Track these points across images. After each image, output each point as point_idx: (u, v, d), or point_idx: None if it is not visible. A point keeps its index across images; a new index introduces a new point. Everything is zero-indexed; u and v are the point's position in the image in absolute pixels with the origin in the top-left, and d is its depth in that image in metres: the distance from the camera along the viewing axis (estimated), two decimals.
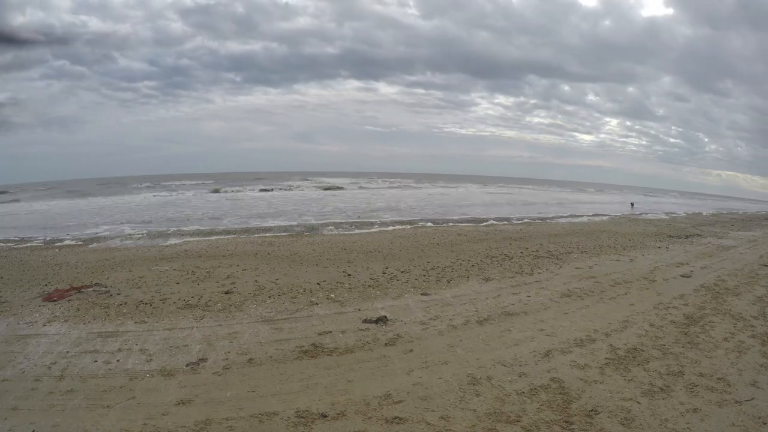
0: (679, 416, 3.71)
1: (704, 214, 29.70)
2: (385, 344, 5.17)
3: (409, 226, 16.27)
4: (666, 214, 27.43)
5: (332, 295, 7.08)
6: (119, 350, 4.98)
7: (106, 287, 7.43)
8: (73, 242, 12.87)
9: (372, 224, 16.82)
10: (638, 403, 3.91)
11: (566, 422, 3.60)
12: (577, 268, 9.39)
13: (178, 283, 7.72)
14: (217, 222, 18.05)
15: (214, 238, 13.26)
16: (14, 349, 5.00)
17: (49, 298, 6.84)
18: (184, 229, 15.42)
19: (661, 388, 4.18)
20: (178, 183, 50.50)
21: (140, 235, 13.90)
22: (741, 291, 7.90)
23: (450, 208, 26.24)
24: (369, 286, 7.68)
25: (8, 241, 13.25)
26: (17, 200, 33.23)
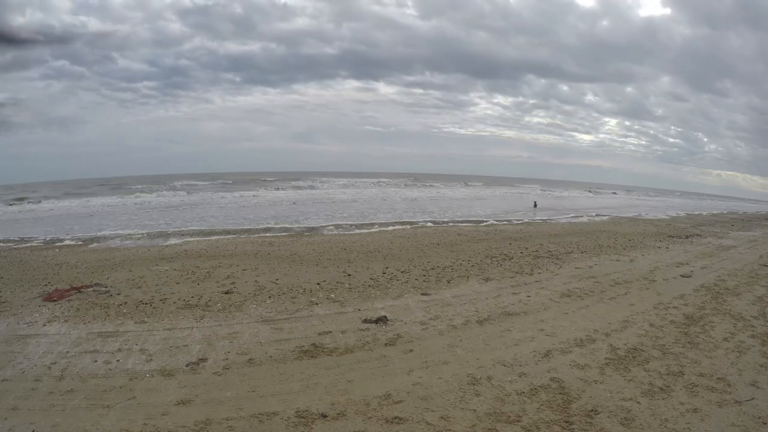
0: (679, 416, 3.72)
1: (704, 214, 29.69)
2: (385, 344, 5.17)
3: (409, 226, 16.27)
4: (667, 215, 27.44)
5: (332, 295, 7.09)
6: (119, 350, 4.98)
7: (106, 287, 7.43)
8: (73, 242, 12.87)
9: (372, 224, 16.82)
10: (638, 403, 3.91)
11: (566, 422, 3.60)
12: (577, 268, 9.39)
13: (178, 283, 7.72)
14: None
15: (214, 238, 13.25)
16: (14, 349, 5.00)
17: (49, 298, 6.84)
18: (184, 229, 15.42)
19: (661, 388, 4.18)
20: (189, 183, 49.78)
21: (140, 235, 13.90)
22: (741, 291, 7.90)
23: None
24: (369, 286, 7.68)
25: (8, 241, 13.25)
26: (42, 200, 32.50)
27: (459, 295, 7.22)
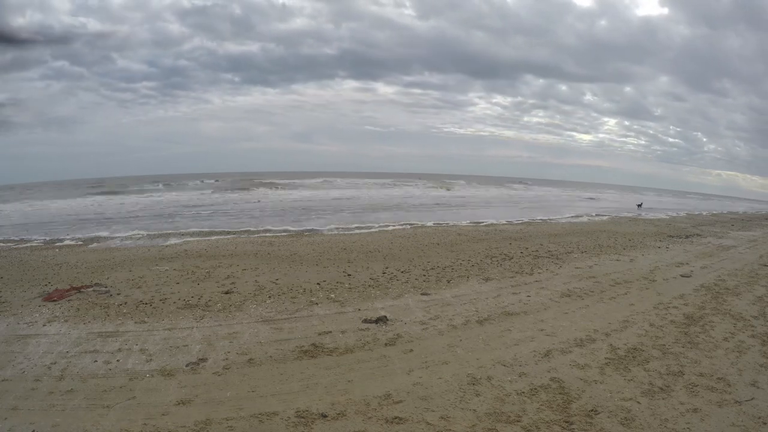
0: (679, 416, 3.72)
1: (704, 214, 29.69)
2: (385, 344, 5.17)
3: (409, 226, 16.27)
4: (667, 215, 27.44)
5: (332, 295, 7.08)
6: (119, 350, 4.98)
7: (106, 287, 7.43)
8: (73, 242, 12.87)
9: (372, 224, 16.81)
10: (638, 403, 3.91)
11: (566, 422, 3.60)
12: (577, 268, 9.39)
13: (178, 283, 7.72)
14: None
15: (214, 238, 13.25)
16: (14, 349, 5.00)
17: (49, 298, 6.84)
18: (184, 229, 15.42)
19: (661, 388, 4.18)
20: (200, 183, 49.79)
21: (140, 235, 13.90)
22: (741, 291, 7.90)
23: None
24: (369, 286, 7.68)
25: (8, 241, 13.25)
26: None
27: (459, 295, 7.22)
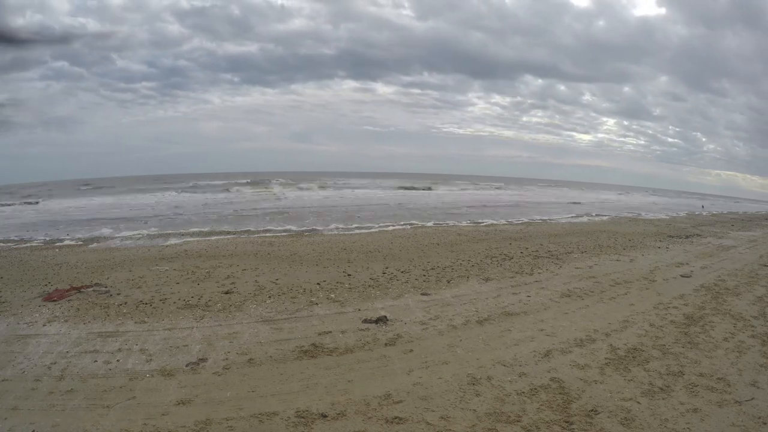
0: (679, 416, 3.72)
1: (704, 214, 29.70)
2: (385, 344, 5.17)
3: (409, 226, 16.27)
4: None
5: (332, 295, 7.09)
6: (119, 350, 4.98)
7: (106, 287, 7.43)
8: (73, 242, 12.87)
9: (372, 224, 16.82)
10: (638, 403, 3.91)
11: (566, 422, 3.60)
12: (577, 268, 9.39)
13: (178, 283, 7.72)
14: None
15: (214, 238, 13.25)
16: (14, 349, 5.00)
17: (49, 298, 6.84)
18: (184, 229, 15.42)
19: (661, 388, 4.18)
20: (214, 183, 49.91)
21: (140, 235, 13.90)
22: (741, 291, 7.90)
23: None
24: (369, 286, 7.68)
25: (8, 241, 13.25)
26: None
27: (459, 295, 7.22)
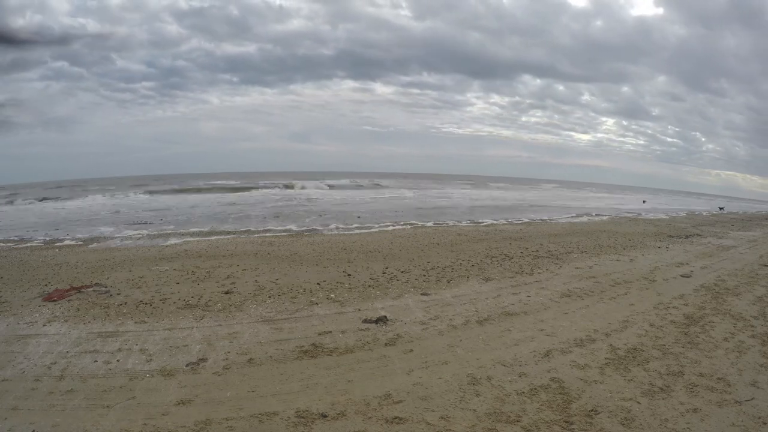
0: (679, 416, 3.72)
1: (704, 213, 29.70)
2: (385, 344, 5.17)
3: (409, 226, 16.28)
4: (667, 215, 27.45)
5: (332, 295, 7.09)
6: (119, 350, 4.98)
7: (106, 287, 7.43)
8: (73, 242, 12.87)
9: (372, 224, 16.82)
10: (638, 403, 3.91)
11: (566, 422, 3.60)
12: (577, 268, 9.39)
13: (178, 283, 7.72)
14: None
15: (214, 238, 13.25)
16: (14, 349, 5.00)
17: (49, 298, 6.84)
18: (184, 229, 15.42)
19: (661, 388, 4.18)
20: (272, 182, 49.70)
21: (140, 235, 13.90)
22: (741, 291, 7.90)
23: None
24: (369, 286, 7.68)
25: (8, 241, 13.25)
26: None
27: (459, 295, 7.22)
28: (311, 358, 4.79)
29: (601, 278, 8.50)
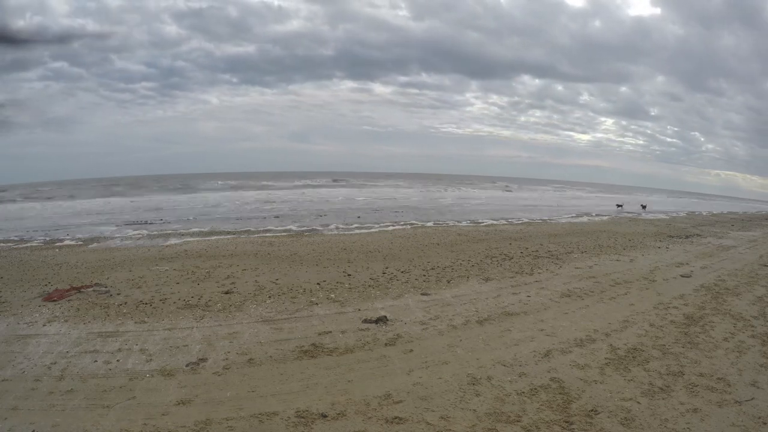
0: (679, 416, 3.71)
1: (704, 213, 29.70)
2: (385, 344, 5.17)
3: (409, 227, 16.28)
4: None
5: (332, 295, 7.08)
6: (119, 350, 4.98)
7: (106, 287, 7.43)
8: (73, 242, 12.87)
9: (372, 224, 16.82)
10: (638, 403, 3.91)
11: (566, 422, 3.59)
12: (577, 268, 9.39)
13: (178, 283, 7.72)
14: None
15: (214, 238, 13.25)
16: (14, 349, 5.00)
17: (49, 298, 6.84)
18: (184, 229, 15.42)
19: (661, 388, 4.18)
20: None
21: (140, 235, 13.90)
22: (741, 291, 7.90)
23: None
24: (369, 286, 7.67)
25: (8, 241, 13.25)
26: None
27: (459, 295, 7.21)
28: (311, 358, 4.79)
29: (601, 278, 8.50)
